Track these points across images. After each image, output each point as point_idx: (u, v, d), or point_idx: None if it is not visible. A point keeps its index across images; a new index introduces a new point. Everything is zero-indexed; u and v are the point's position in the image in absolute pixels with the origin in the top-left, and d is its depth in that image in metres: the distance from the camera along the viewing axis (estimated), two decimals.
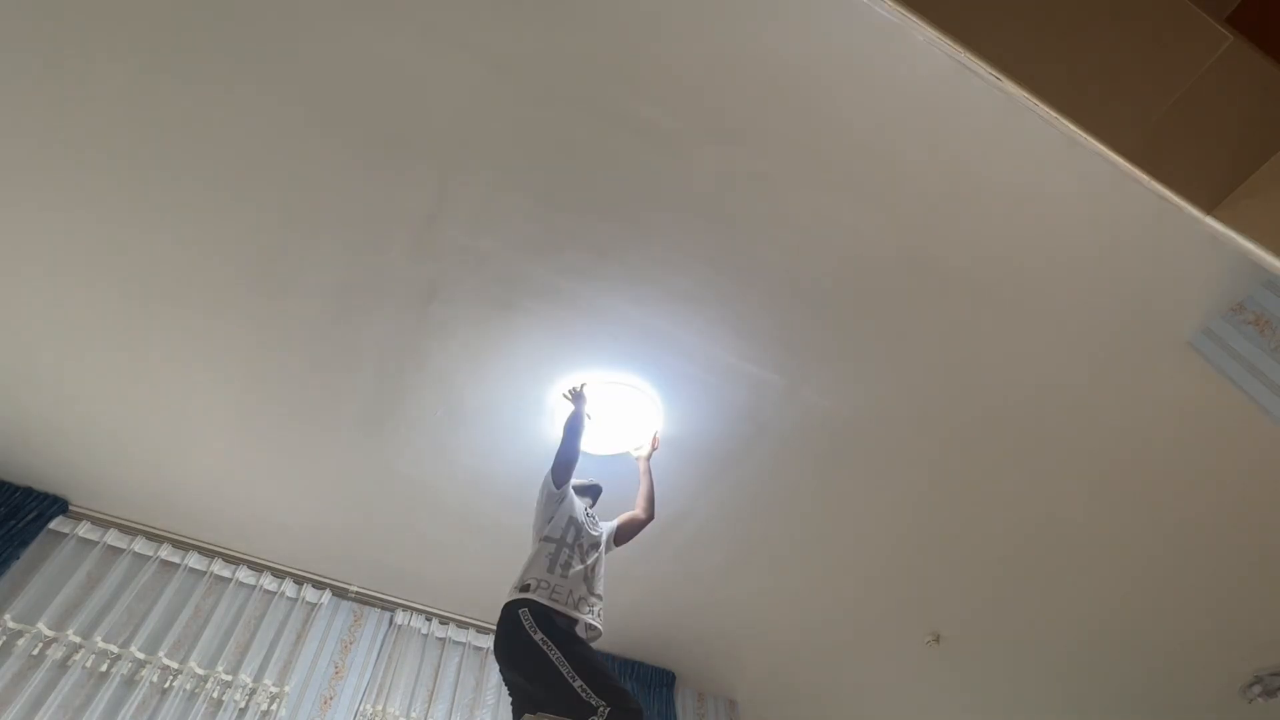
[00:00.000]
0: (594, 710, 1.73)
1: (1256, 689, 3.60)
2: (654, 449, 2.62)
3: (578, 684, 1.78)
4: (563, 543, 2.13)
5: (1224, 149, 0.90)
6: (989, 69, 0.86)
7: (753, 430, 2.69)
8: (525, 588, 2.02)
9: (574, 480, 2.33)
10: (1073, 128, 0.88)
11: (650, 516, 2.46)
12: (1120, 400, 2.47)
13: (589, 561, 2.15)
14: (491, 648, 3.36)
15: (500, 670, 2.00)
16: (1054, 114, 0.88)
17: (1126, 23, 0.86)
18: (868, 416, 2.61)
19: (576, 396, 2.43)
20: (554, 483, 2.24)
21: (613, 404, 2.60)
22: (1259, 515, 2.78)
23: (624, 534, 2.40)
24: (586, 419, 2.40)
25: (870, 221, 2.09)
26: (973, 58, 0.86)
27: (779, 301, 2.31)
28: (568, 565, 2.08)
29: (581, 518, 2.25)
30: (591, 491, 2.47)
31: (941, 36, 0.85)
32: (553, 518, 2.19)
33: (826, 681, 3.93)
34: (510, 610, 1.98)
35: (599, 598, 2.13)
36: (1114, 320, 2.26)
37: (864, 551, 3.13)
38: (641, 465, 2.59)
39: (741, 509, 2.98)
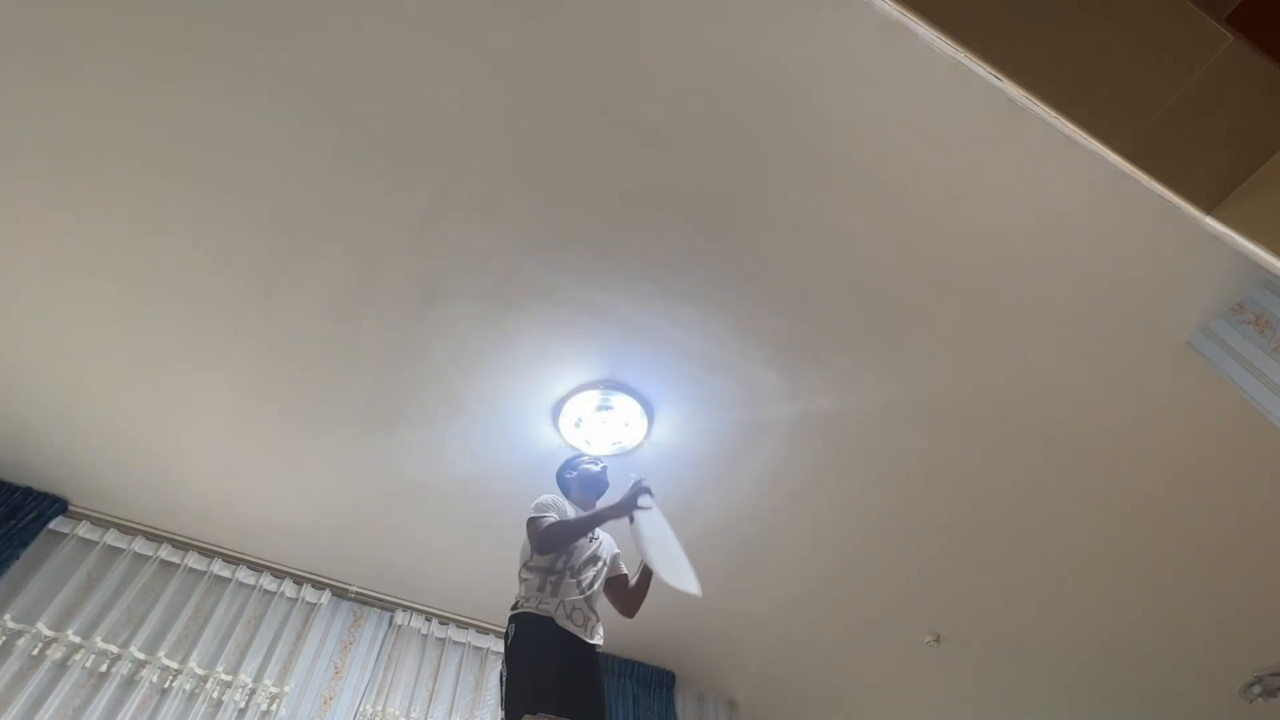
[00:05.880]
0: None
1: (1256, 689, 3.60)
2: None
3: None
4: (551, 570, 2.07)
5: (1224, 149, 0.90)
6: (989, 69, 0.86)
7: (753, 431, 2.69)
8: (515, 605, 2.06)
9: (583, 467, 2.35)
10: (1073, 128, 0.88)
11: (629, 614, 2.28)
12: (1120, 400, 2.47)
13: (584, 579, 2.09)
14: (491, 647, 3.43)
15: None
16: (1054, 114, 0.87)
17: (1126, 22, 0.86)
18: (868, 416, 2.61)
19: (632, 497, 2.15)
20: (536, 549, 2.07)
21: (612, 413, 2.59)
22: (1259, 515, 2.78)
23: (610, 586, 2.26)
24: (629, 521, 2.14)
25: (870, 221, 2.09)
26: (973, 58, 0.85)
27: (779, 301, 2.31)
28: (557, 586, 2.04)
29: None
30: (596, 487, 2.36)
31: (941, 36, 0.85)
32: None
33: (826, 681, 3.93)
34: (508, 623, 2.04)
35: (599, 617, 2.11)
36: (1114, 320, 2.26)
37: (864, 552, 3.13)
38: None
39: (742, 509, 2.98)
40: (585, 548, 2.16)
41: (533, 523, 2.09)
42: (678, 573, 2.17)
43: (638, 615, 2.29)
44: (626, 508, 2.13)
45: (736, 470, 2.83)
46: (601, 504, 2.38)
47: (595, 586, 2.13)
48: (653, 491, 2.18)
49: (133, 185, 2.12)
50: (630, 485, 2.18)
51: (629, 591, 2.27)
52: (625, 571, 2.32)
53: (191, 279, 2.35)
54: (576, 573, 2.09)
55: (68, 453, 2.92)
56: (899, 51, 1.73)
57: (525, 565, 2.12)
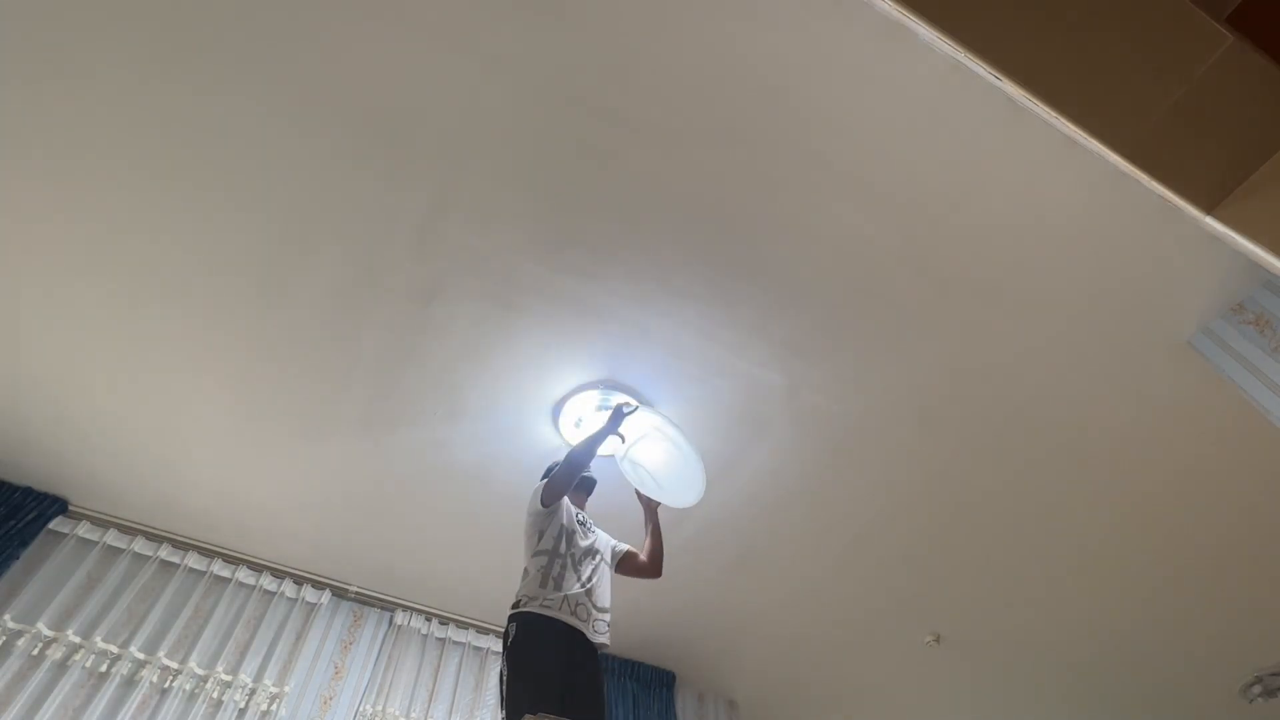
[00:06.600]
0: None
1: (1256, 689, 3.60)
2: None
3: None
4: (555, 554, 2.11)
5: (1224, 149, 0.90)
6: (989, 69, 0.86)
7: (753, 430, 2.69)
8: (516, 604, 2.06)
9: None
10: (1073, 128, 0.88)
11: (657, 574, 2.34)
12: (1120, 400, 2.47)
13: (583, 572, 2.12)
14: (490, 647, 3.43)
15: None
16: (1054, 114, 0.87)
17: (1126, 22, 0.86)
18: (868, 416, 2.61)
19: (616, 414, 2.29)
20: (542, 502, 2.18)
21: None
22: (1259, 515, 2.78)
23: (625, 566, 2.33)
24: (619, 438, 2.30)
25: (870, 221, 2.09)
26: (973, 58, 0.85)
27: (779, 301, 2.31)
28: (560, 580, 2.06)
29: (574, 525, 2.21)
30: (584, 485, 2.41)
31: (941, 36, 0.85)
32: (543, 533, 2.16)
33: (826, 681, 3.93)
34: (508, 622, 2.04)
35: (600, 610, 2.10)
36: (1114, 320, 2.26)
37: (864, 552, 3.13)
38: (649, 514, 2.45)
39: (742, 509, 2.98)
40: (583, 537, 2.21)
41: (543, 489, 2.19)
42: (681, 482, 2.37)
43: (638, 614, 2.31)
44: (616, 419, 2.27)
45: (736, 470, 2.83)
46: (594, 502, 2.46)
47: (594, 581, 2.14)
48: (625, 415, 2.29)
49: (132, 185, 2.12)
50: (614, 415, 2.28)
51: (646, 555, 2.34)
52: (629, 548, 2.36)
53: (191, 278, 2.35)
54: (576, 564, 2.12)
55: (68, 453, 2.92)
56: (899, 51, 1.73)
57: (530, 556, 2.15)
